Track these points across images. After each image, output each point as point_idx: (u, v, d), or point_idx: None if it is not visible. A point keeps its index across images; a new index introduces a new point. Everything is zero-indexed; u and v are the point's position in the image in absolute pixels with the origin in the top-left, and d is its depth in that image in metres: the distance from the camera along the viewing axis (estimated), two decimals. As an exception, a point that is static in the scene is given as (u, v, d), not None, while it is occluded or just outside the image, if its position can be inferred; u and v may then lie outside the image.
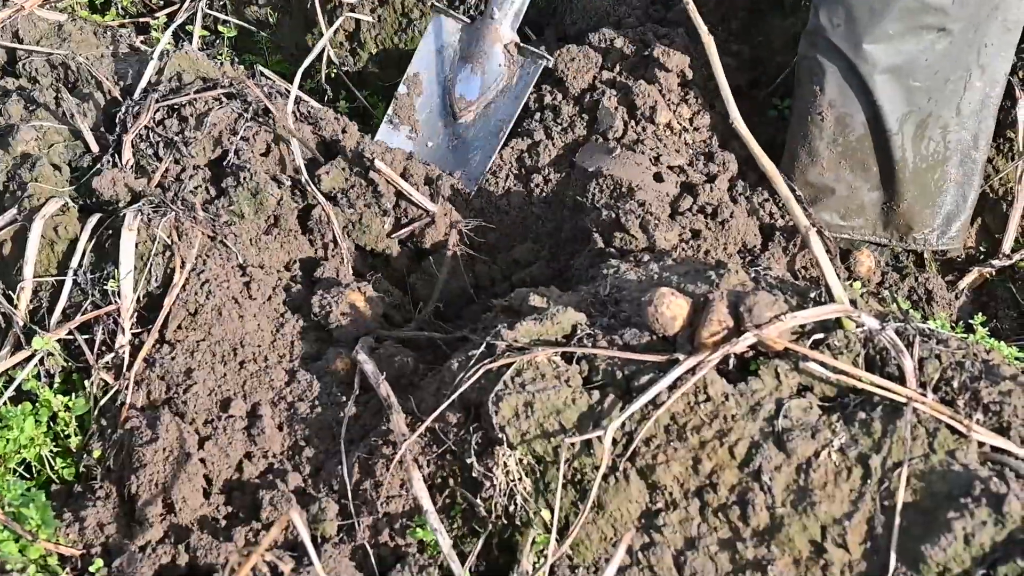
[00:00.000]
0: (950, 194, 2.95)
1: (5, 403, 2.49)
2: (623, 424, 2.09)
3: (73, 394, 2.55)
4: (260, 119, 2.95)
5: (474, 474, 2.17)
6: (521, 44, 3.25)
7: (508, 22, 3.24)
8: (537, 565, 2.07)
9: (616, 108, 3.03)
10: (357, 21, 3.63)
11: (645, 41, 3.17)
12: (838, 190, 2.96)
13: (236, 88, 2.99)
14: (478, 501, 2.16)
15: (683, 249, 2.70)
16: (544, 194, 3.03)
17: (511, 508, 2.14)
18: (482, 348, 2.28)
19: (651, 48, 3.11)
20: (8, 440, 2.42)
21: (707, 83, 3.06)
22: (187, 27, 3.89)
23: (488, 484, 2.14)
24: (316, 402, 2.51)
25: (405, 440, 2.23)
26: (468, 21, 3.33)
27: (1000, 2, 2.77)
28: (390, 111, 3.37)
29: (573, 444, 2.09)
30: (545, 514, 2.07)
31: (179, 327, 2.60)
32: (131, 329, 2.59)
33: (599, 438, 2.06)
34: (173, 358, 2.55)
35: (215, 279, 2.64)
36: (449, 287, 2.94)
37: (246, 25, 3.95)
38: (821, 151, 2.92)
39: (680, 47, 3.10)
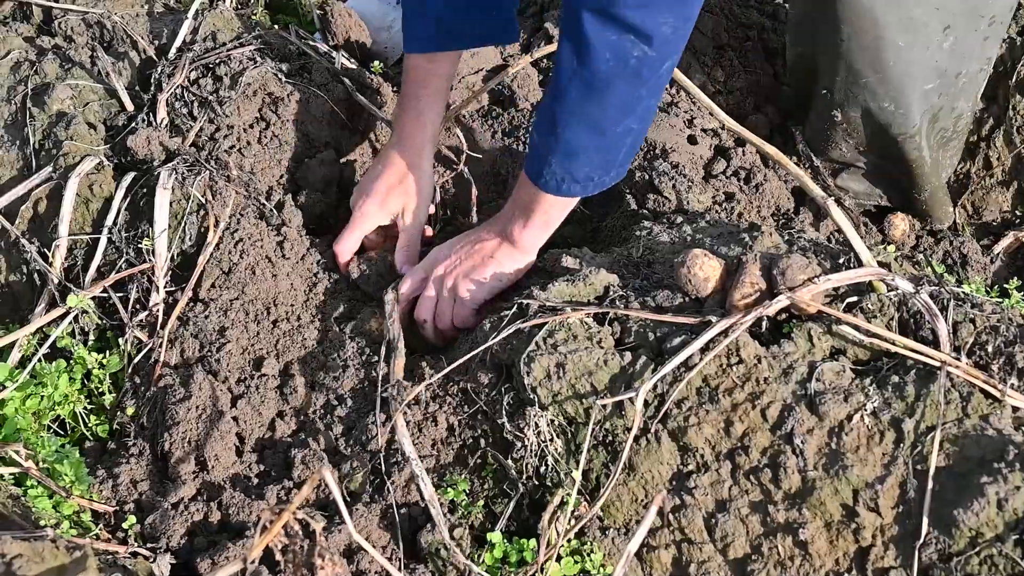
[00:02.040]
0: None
1: (40, 360, 2.50)
2: (655, 386, 2.08)
3: (107, 352, 2.57)
4: (295, 78, 2.95)
5: (506, 435, 2.17)
6: None
7: None
8: (569, 526, 2.08)
9: (650, 70, 3.01)
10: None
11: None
12: (863, 166, 2.94)
13: (272, 45, 2.99)
14: (509, 462, 2.17)
15: (716, 212, 2.70)
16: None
17: (542, 469, 2.14)
18: (514, 309, 2.28)
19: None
20: (43, 397, 2.44)
21: (742, 45, 3.04)
22: (221, -13, 3.89)
23: (519, 445, 2.15)
24: (348, 362, 2.52)
25: (399, 384, 2.24)
26: None
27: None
28: None
29: (605, 406, 2.09)
30: (576, 475, 2.07)
31: (213, 286, 2.60)
32: (165, 287, 2.60)
33: (631, 400, 2.06)
34: (207, 316, 2.55)
35: (249, 238, 2.65)
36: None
37: (280, -15, 3.95)
38: (839, 141, 2.90)
39: (714, 10, 3.09)
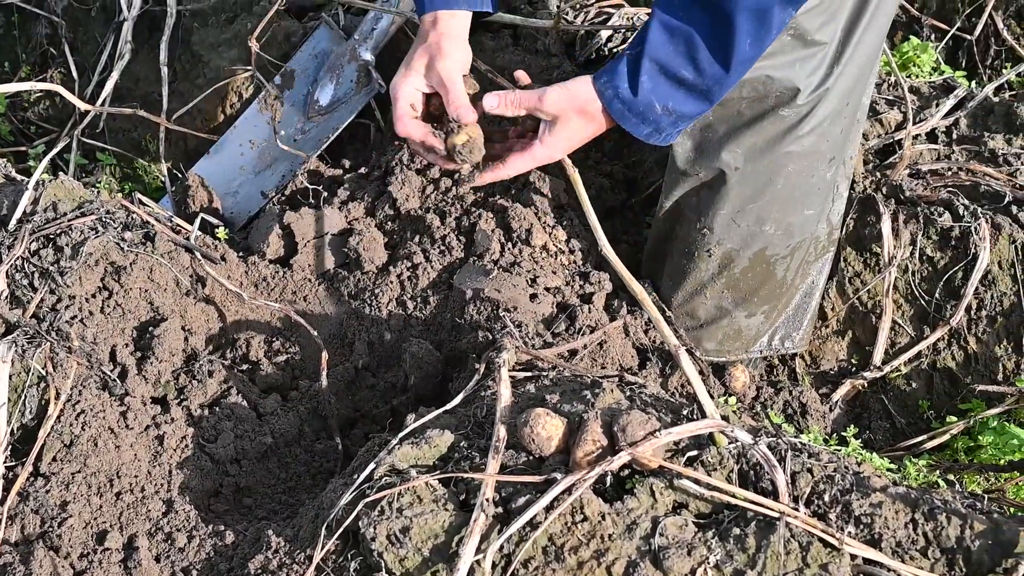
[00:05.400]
0: (815, 297, 3.07)
1: None
2: (501, 546, 2.09)
3: (-57, 531, 2.50)
4: (138, 247, 2.94)
5: (354, 603, 2.15)
6: (371, 69, 3.49)
7: (365, 45, 3.51)
8: None
9: (493, 231, 3.07)
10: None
11: (520, 165, 3.23)
12: (717, 321, 3.02)
13: (113, 215, 2.99)
14: (359, 631, 2.15)
15: (560, 369, 2.73)
16: (423, 316, 3.05)
17: (392, 636, 2.12)
18: (364, 473, 2.28)
19: (526, 173, 3.17)
20: None
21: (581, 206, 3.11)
22: (65, 155, 3.88)
23: (368, 612, 2.13)
24: (194, 532, 2.48)
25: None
26: (344, 37, 3.60)
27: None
28: (262, 95, 3.63)
29: (452, 569, 2.09)
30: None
31: (54, 459, 2.56)
32: (4, 463, 2.55)
33: (478, 562, 2.06)
34: (48, 491, 2.50)
35: (91, 409, 2.61)
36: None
37: (124, 153, 3.95)
38: (704, 284, 2.98)
39: (554, 171, 3.16)
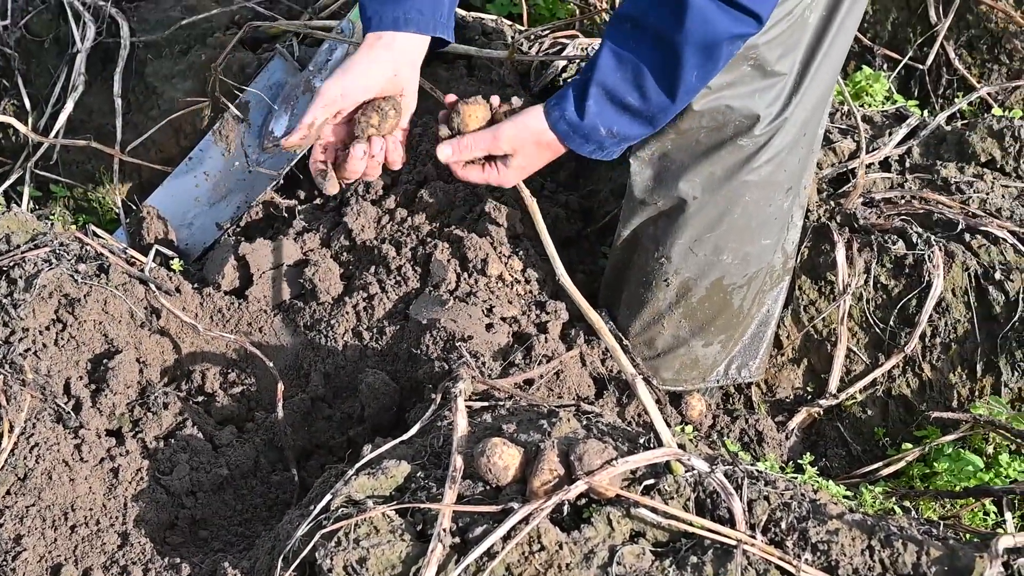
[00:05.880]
0: (771, 325, 3.08)
1: None
2: (459, 576, 2.08)
3: None
4: (92, 279, 2.93)
5: (309, 635, 2.14)
6: None
7: (320, 76, 3.54)
8: None
9: (448, 261, 3.07)
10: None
11: (476, 195, 3.24)
12: (674, 350, 3.03)
13: (67, 247, 2.98)
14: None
15: (517, 399, 2.73)
16: (379, 347, 3.04)
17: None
18: (320, 504, 2.27)
19: (483, 202, 3.18)
20: None
21: (538, 235, 3.12)
22: (18, 187, 3.86)
23: (324, 645, 2.12)
24: (150, 565, 2.47)
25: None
26: (299, 68, 3.62)
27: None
28: (216, 126, 3.65)
29: (409, 599, 2.08)
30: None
31: (8, 492, 2.54)
32: (-43, 497, 2.53)
33: (435, 592, 2.06)
34: (2, 525, 2.49)
35: (45, 442, 2.60)
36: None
37: (78, 185, 3.94)
38: (662, 313, 2.99)
39: (510, 201, 3.17)
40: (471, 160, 2.71)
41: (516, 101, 2.71)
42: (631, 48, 2.48)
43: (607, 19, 4.28)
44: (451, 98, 2.73)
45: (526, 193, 2.85)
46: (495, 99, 2.72)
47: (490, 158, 2.70)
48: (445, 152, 2.68)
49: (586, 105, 2.55)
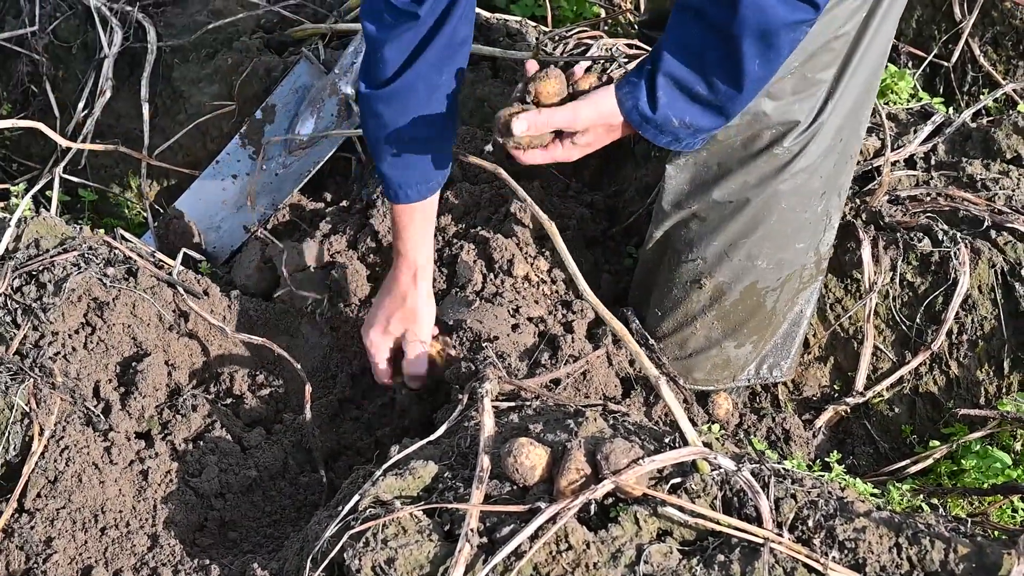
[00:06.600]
0: (802, 325, 3.07)
1: None
2: (487, 576, 2.09)
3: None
4: (121, 283, 2.94)
5: (338, 635, 2.15)
6: (352, 102, 3.55)
7: (346, 79, 3.57)
8: None
9: (475, 262, 3.08)
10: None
11: (502, 196, 3.25)
12: (706, 351, 3.03)
13: (95, 251, 2.99)
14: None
15: (543, 399, 2.74)
16: (408, 348, 3.05)
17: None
18: (349, 505, 2.28)
19: (508, 203, 3.19)
20: None
21: (563, 235, 3.12)
22: (47, 192, 3.88)
23: (354, 645, 2.13)
24: (179, 566, 2.48)
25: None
26: (324, 71, 3.65)
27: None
28: (243, 130, 3.69)
29: (438, 599, 2.09)
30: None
31: (38, 495, 2.56)
32: (-11, 500, 2.55)
33: (463, 592, 2.06)
34: (32, 527, 2.51)
35: (75, 445, 2.62)
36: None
37: (106, 189, 3.96)
38: (694, 315, 2.99)
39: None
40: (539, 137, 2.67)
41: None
42: (694, 37, 2.47)
43: (631, 19, 4.28)
44: (532, 66, 2.70)
45: (543, 218, 2.85)
46: (579, 68, 2.68)
47: (558, 134, 2.67)
48: (520, 126, 2.61)
49: (657, 96, 2.53)
